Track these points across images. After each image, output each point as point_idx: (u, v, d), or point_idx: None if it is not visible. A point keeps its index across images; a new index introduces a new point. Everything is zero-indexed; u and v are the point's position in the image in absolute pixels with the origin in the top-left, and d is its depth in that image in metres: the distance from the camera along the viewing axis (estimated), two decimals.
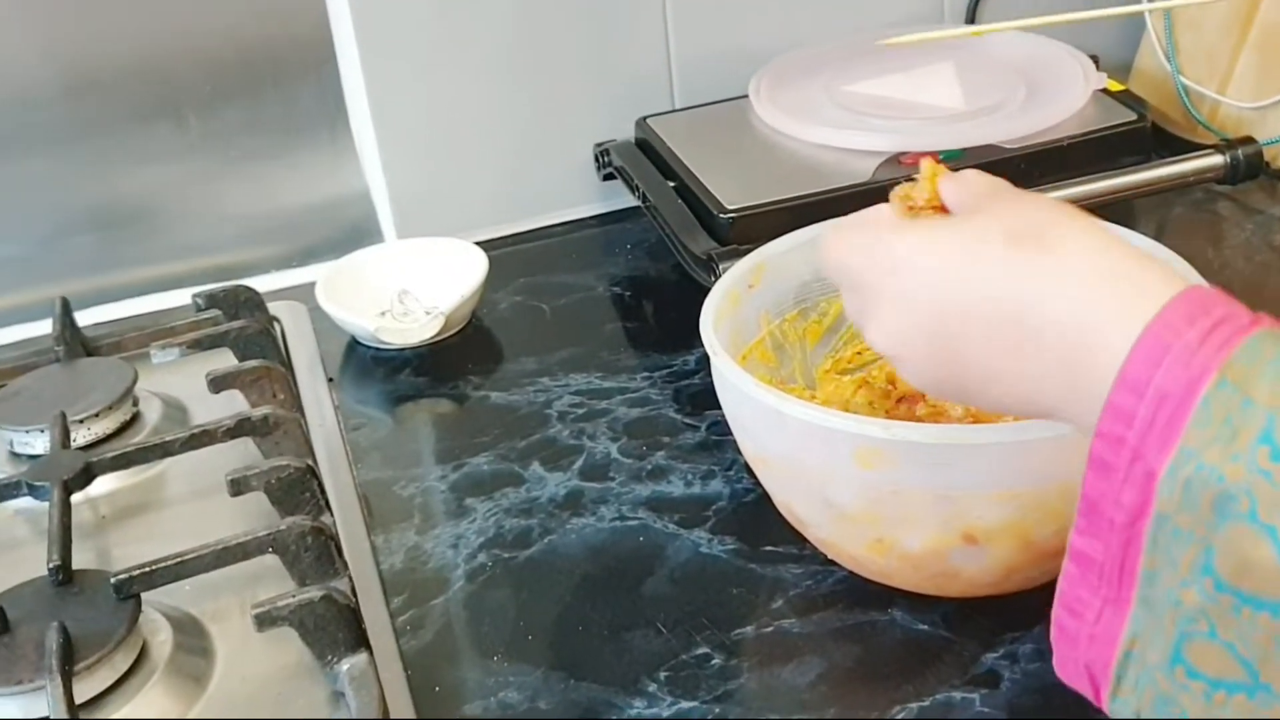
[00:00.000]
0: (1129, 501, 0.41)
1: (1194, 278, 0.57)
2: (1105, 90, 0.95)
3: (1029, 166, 0.89)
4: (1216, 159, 0.90)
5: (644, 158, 0.99)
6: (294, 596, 0.62)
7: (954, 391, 0.50)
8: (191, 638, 0.66)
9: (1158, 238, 0.65)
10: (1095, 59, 1.00)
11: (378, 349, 0.92)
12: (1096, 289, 0.43)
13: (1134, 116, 0.92)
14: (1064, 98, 0.93)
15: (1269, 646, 0.39)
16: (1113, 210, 0.86)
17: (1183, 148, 0.91)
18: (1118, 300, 0.43)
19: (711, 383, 0.67)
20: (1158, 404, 0.40)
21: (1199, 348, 0.40)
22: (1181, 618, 0.41)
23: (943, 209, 0.52)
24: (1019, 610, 0.63)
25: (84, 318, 0.92)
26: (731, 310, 0.70)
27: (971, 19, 1.11)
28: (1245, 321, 0.41)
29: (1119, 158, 0.90)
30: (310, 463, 0.73)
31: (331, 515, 0.72)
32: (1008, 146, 0.90)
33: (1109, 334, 0.42)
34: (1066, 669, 0.46)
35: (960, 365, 0.48)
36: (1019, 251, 0.45)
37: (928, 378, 0.50)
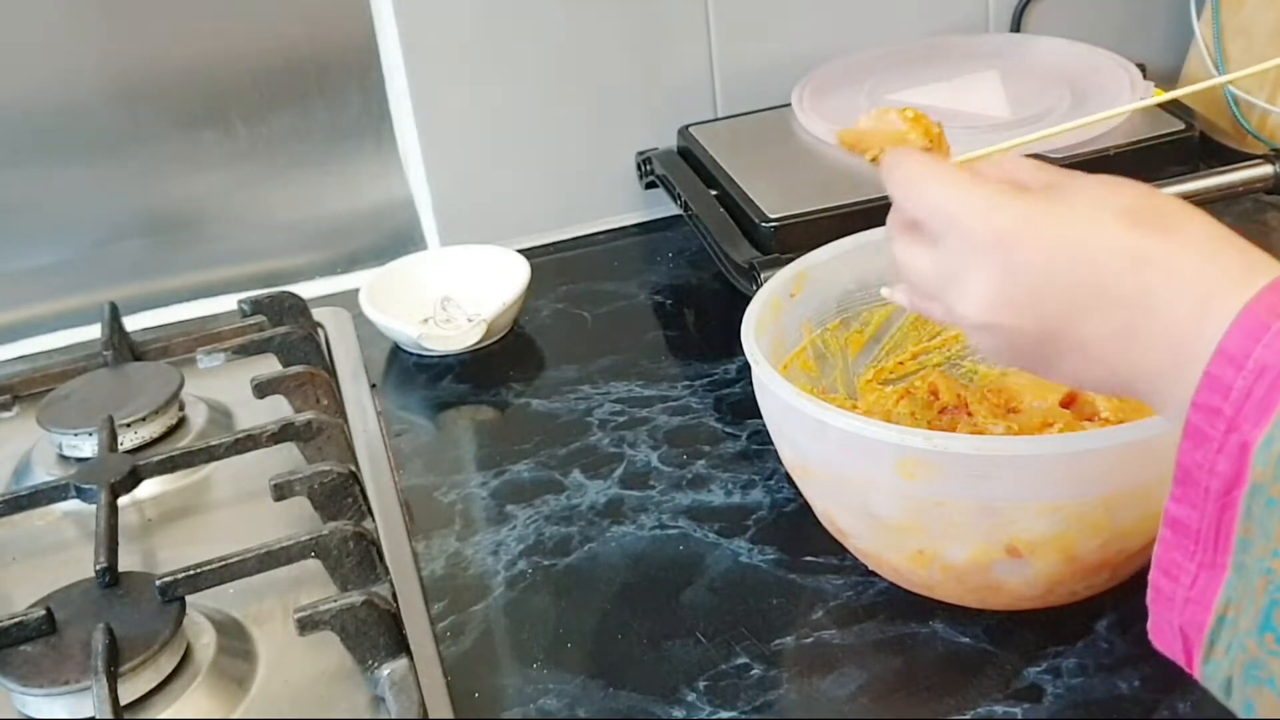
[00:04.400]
0: (1224, 471, 0.42)
1: None
2: None
3: None
4: (1266, 169, 0.88)
5: (686, 166, 0.99)
6: (335, 601, 0.62)
7: (1028, 360, 0.50)
8: (234, 640, 0.66)
9: None
10: (1142, 67, 0.99)
11: (420, 355, 0.92)
12: (1209, 270, 0.44)
13: (1182, 126, 0.92)
14: (1110, 106, 0.93)
15: None
16: None
17: (1231, 157, 0.90)
18: (1229, 279, 0.43)
19: (752, 392, 0.67)
20: (1256, 377, 0.41)
21: None
22: (1272, 585, 0.41)
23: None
24: (1062, 624, 0.63)
25: (132, 323, 0.94)
26: (773, 319, 0.70)
27: (1016, 27, 1.11)
28: None
29: (1166, 167, 0.90)
30: (353, 468, 0.74)
31: (373, 520, 0.73)
32: (1053, 156, 0.89)
33: (1218, 311, 0.43)
34: (1160, 634, 0.47)
35: (1048, 338, 0.48)
36: (1139, 233, 0.46)
37: (1006, 349, 0.50)
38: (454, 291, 0.96)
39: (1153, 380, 0.46)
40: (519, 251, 0.96)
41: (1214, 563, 0.44)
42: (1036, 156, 0.88)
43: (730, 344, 0.86)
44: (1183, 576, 0.45)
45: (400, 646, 0.63)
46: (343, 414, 0.83)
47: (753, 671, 0.63)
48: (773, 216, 0.87)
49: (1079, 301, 0.46)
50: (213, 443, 0.77)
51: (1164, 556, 0.45)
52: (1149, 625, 0.47)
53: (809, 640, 0.64)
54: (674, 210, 1.00)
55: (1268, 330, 0.41)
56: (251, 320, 0.92)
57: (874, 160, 0.55)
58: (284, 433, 0.77)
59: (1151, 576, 0.46)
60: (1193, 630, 0.45)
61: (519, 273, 0.94)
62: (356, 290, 0.95)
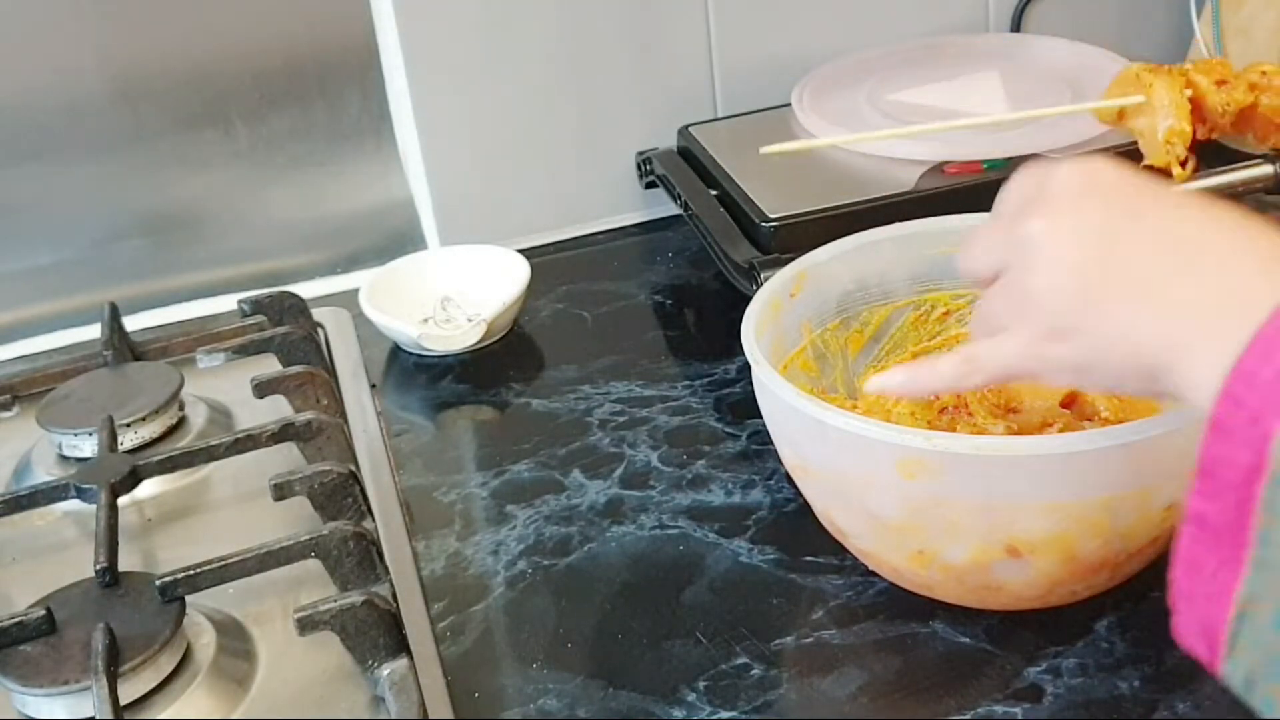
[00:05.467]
0: (1244, 462, 0.42)
1: None
2: None
3: None
4: (1266, 169, 0.88)
5: (686, 166, 0.99)
6: (335, 601, 0.62)
7: (1094, 299, 0.50)
8: (234, 640, 0.66)
9: None
10: None
11: (420, 355, 0.92)
12: (1251, 246, 0.47)
13: None
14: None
15: None
16: None
17: (1232, 157, 0.90)
18: (1269, 265, 0.45)
19: (752, 391, 0.67)
20: None
21: None
22: None
23: None
24: (1062, 624, 0.63)
25: (132, 322, 0.94)
26: (773, 319, 0.70)
27: (1016, 27, 1.11)
28: None
29: None
30: (353, 468, 0.74)
31: (373, 520, 0.73)
32: (1053, 156, 0.89)
33: (1260, 291, 0.44)
34: (1185, 629, 0.46)
35: (1117, 272, 0.48)
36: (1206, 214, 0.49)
37: (1077, 271, 0.50)
38: (454, 291, 0.96)
39: (1186, 352, 0.46)
40: (519, 251, 0.96)
41: (1233, 558, 0.43)
42: (1033, 156, 0.89)
43: (730, 344, 0.86)
44: (1204, 572, 0.44)
45: (400, 646, 0.63)
46: (343, 414, 0.83)
47: (753, 671, 0.63)
48: (773, 216, 0.87)
49: (1144, 233, 0.48)
50: (213, 443, 0.77)
51: (1185, 552, 0.45)
52: (1173, 623, 0.46)
53: (809, 640, 0.64)
54: (674, 210, 1.00)
55: None
56: (251, 320, 0.92)
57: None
58: (284, 433, 0.77)
59: (1174, 573, 0.46)
60: (1215, 627, 0.44)
61: (519, 273, 0.94)
62: (356, 290, 0.95)
